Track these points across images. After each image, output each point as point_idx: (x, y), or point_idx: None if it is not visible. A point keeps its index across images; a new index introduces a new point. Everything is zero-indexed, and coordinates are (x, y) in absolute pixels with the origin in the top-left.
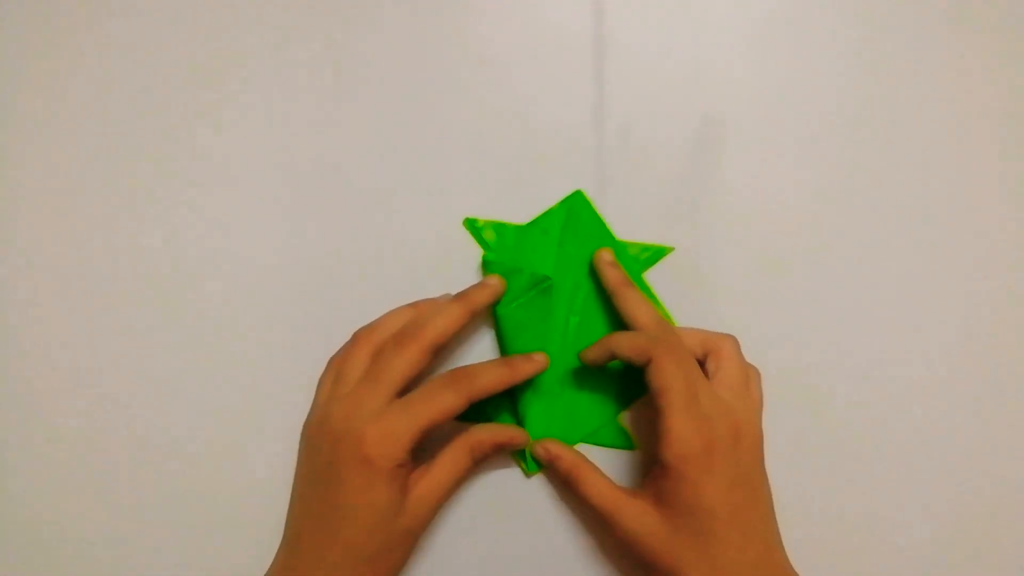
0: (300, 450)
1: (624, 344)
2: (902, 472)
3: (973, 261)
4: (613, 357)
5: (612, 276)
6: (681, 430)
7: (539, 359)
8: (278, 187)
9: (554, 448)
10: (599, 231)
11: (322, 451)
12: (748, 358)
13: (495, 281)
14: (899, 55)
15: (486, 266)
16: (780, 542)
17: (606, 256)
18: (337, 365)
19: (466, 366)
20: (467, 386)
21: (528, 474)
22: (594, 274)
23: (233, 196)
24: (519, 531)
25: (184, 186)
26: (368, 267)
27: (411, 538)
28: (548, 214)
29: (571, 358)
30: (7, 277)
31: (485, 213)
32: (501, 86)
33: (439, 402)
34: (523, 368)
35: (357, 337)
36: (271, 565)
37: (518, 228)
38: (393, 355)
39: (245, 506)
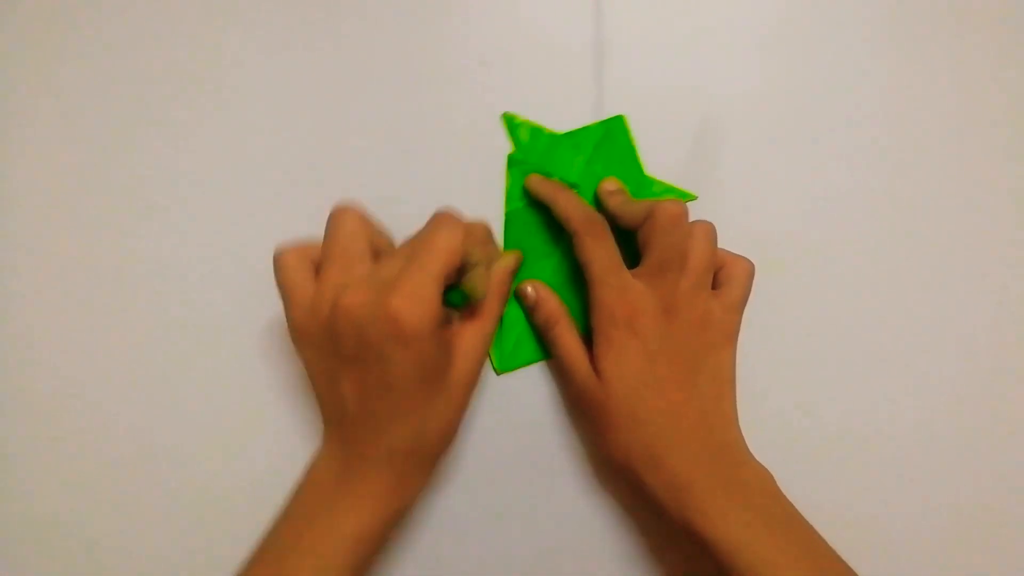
0: (304, 349)
1: (561, 205)
2: (900, 472)
3: (974, 261)
4: (548, 203)
5: (613, 201)
6: (604, 297)
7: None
8: (277, 186)
9: (543, 291)
10: (629, 159)
11: (346, 341)
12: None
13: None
14: (898, 55)
15: (511, 164)
16: (730, 424)
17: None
18: (326, 253)
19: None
20: (454, 216)
21: (498, 373)
22: None
23: (233, 193)
24: (517, 530)
25: (185, 185)
26: None
27: (467, 392)
28: (585, 130)
29: (575, 269)
30: (7, 277)
31: (487, 211)
32: (501, 89)
33: (442, 242)
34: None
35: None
36: (315, 467)
37: (552, 135)
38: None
39: (246, 505)
